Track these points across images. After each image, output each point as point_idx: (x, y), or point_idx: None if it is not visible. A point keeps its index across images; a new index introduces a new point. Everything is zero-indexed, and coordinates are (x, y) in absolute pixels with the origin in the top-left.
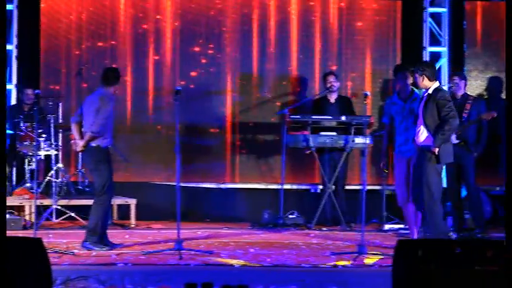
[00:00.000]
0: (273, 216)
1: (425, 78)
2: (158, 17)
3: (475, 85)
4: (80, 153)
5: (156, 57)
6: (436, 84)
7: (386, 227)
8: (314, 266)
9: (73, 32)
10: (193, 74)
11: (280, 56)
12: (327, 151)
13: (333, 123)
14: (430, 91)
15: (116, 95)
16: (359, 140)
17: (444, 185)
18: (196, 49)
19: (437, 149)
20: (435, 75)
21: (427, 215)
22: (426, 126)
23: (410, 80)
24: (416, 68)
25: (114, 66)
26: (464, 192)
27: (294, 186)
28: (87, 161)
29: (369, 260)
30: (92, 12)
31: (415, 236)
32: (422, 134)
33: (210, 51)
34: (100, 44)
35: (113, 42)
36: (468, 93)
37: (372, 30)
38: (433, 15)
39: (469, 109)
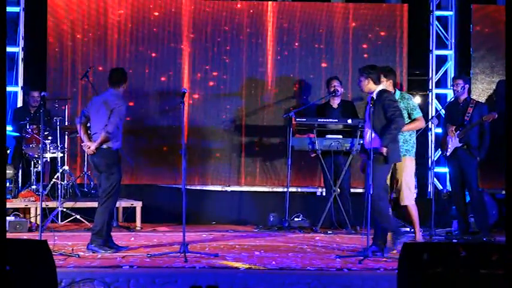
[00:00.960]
0: (279, 219)
1: (371, 81)
2: (168, 21)
3: (482, 88)
4: (90, 155)
5: (162, 60)
6: (381, 87)
7: None
8: (319, 269)
9: (79, 34)
10: (200, 77)
11: (286, 61)
12: (332, 154)
13: (339, 126)
14: (374, 95)
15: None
16: None
17: (448, 188)
18: (204, 53)
19: (385, 149)
20: (380, 79)
21: (376, 214)
22: (374, 129)
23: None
24: (362, 70)
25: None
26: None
27: (300, 189)
28: (98, 163)
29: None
30: (99, 14)
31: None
32: (370, 137)
33: (217, 56)
34: (105, 47)
35: (117, 45)
36: (471, 96)
37: (378, 33)
38: (440, 19)
39: (471, 112)
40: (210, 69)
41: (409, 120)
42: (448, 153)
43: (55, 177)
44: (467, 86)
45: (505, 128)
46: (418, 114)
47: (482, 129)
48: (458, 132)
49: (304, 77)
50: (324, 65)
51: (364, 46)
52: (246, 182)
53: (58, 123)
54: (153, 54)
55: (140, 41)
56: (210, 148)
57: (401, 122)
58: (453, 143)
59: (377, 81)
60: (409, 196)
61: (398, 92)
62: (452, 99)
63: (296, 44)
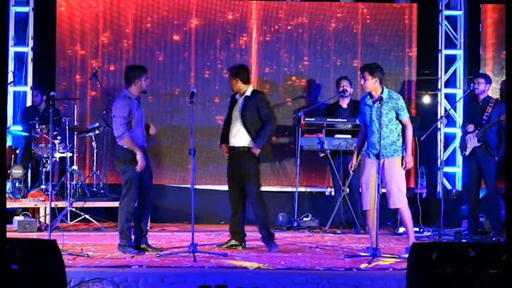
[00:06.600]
0: (288, 219)
1: (239, 81)
2: (176, 22)
3: (491, 88)
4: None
5: (171, 61)
6: (251, 87)
7: (401, 230)
8: (328, 269)
9: (89, 34)
10: (208, 76)
11: (295, 60)
12: (341, 154)
13: (348, 126)
14: (248, 93)
15: (138, 94)
16: None
17: (458, 188)
18: (212, 52)
19: (259, 150)
20: (249, 79)
21: (255, 205)
22: (246, 128)
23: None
24: (230, 70)
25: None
26: (482, 195)
27: (309, 189)
28: (116, 162)
29: (383, 263)
30: (107, 14)
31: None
32: (242, 136)
33: (225, 55)
34: (115, 47)
35: (127, 45)
36: (490, 96)
37: (387, 33)
38: (449, 18)
39: (489, 111)
40: (220, 68)
41: (395, 121)
42: (467, 153)
43: (64, 177)
44: (488, 85)
45: (506, 127)
46: (405, 115)
47: (501, 128)
48: (476, 131)
49: (313, 76)
50: (332, 64)
51: (373, 46)
52: None
53: (67, 123)
54: (162, 56)
55: (150, 41)
56: (219, 148)
57: (275, 123)
58: (472, 142)
59: (246, 81)
60: (400, 198)
61: (386, 91)
62: (466, 95)
63: (305, 43)
